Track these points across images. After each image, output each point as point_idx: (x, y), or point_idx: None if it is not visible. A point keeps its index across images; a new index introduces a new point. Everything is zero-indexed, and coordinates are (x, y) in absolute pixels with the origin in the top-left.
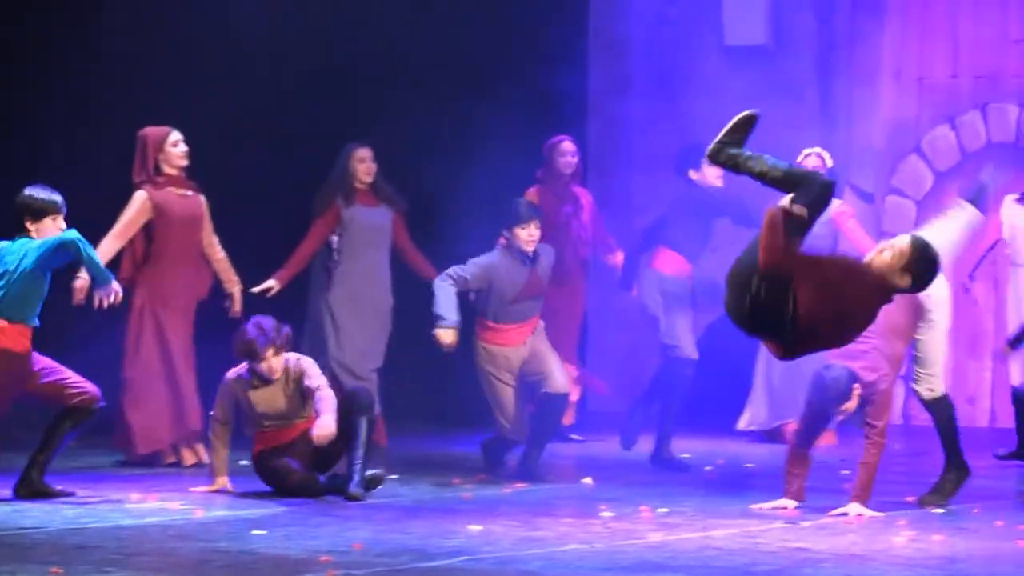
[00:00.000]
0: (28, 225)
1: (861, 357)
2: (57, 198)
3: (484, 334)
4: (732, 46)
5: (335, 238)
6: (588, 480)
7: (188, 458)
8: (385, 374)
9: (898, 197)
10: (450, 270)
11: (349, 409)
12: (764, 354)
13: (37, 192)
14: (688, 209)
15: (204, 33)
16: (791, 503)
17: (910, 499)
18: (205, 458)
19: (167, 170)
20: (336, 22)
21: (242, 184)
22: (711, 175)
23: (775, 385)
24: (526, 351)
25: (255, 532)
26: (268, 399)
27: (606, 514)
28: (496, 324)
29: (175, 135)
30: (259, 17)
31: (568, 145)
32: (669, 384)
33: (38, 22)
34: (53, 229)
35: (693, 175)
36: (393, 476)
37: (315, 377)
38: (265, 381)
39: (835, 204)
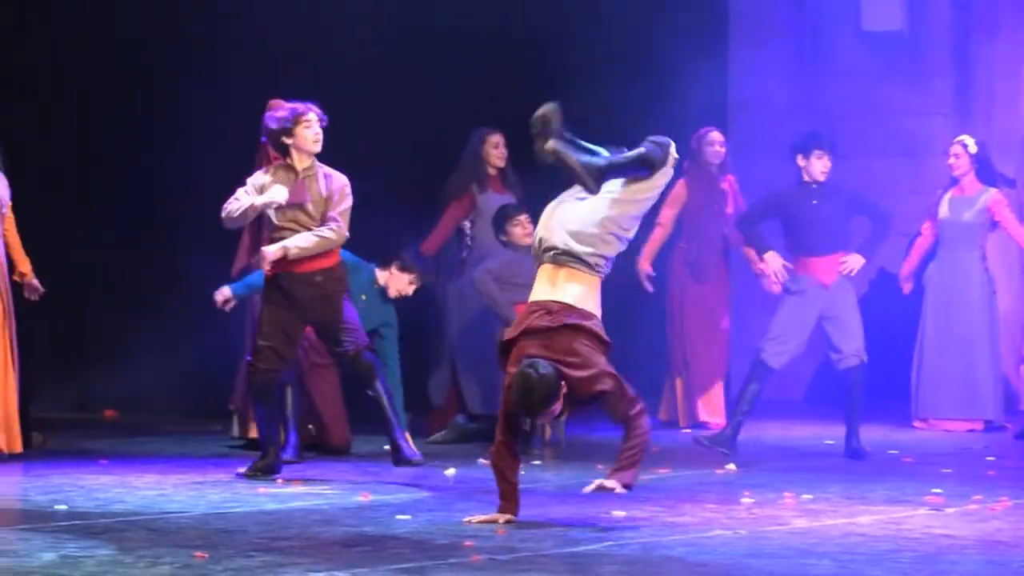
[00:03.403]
0: None
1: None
2: None
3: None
4: (869, 31)
5: (468, 223)
6: (731, 466)
7: None
8: None
9: None
10: (488, 269)
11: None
12: (928, 342)
13: None
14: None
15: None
16: (506, 517)
17: None
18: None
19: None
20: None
21: (373, 168)
22: (816, 168)
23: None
24: None
25: (399, 517)
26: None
27: (748, 500)
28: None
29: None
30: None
31: (716, 135)
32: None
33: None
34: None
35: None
36: (536, 462)
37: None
38: None
39: (991, 192)
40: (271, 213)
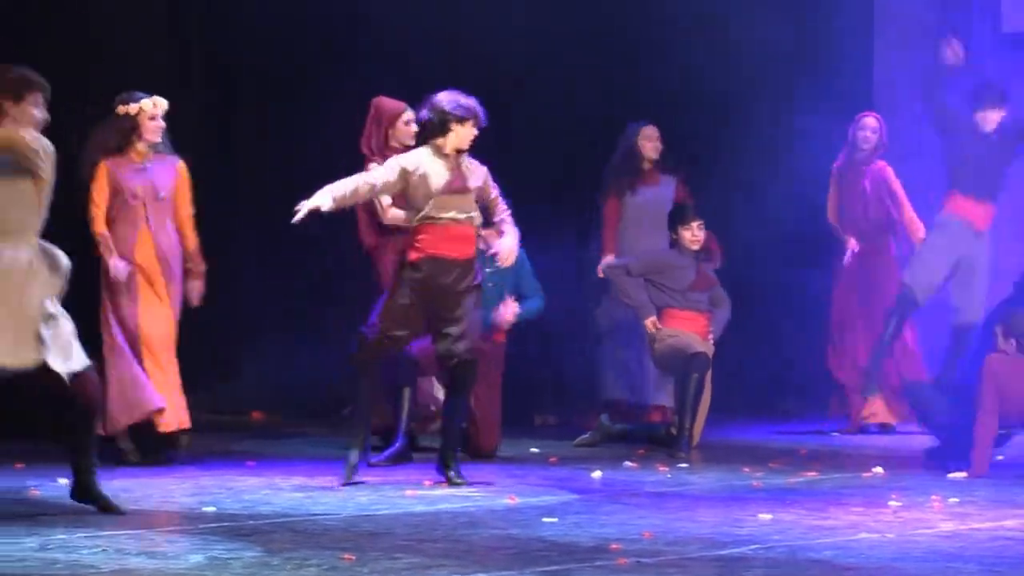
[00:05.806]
0: None
1: None
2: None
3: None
4: (1008, 33)
5: None
6: (878, 469)
7: None
8: None
9: None
10: (624, 263)
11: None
12: None
13: None
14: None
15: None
16: None
17: None
18: None
19: (394, 146)
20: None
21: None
22: (990, 120)
23: None
24: None
25: (545, 520)
26: None
27: (895, 503)
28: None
29: (409, 113)
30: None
31: (870, 120)
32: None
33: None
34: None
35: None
36: (683, 464)
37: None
38: None
39: None
40: (429, 207)
